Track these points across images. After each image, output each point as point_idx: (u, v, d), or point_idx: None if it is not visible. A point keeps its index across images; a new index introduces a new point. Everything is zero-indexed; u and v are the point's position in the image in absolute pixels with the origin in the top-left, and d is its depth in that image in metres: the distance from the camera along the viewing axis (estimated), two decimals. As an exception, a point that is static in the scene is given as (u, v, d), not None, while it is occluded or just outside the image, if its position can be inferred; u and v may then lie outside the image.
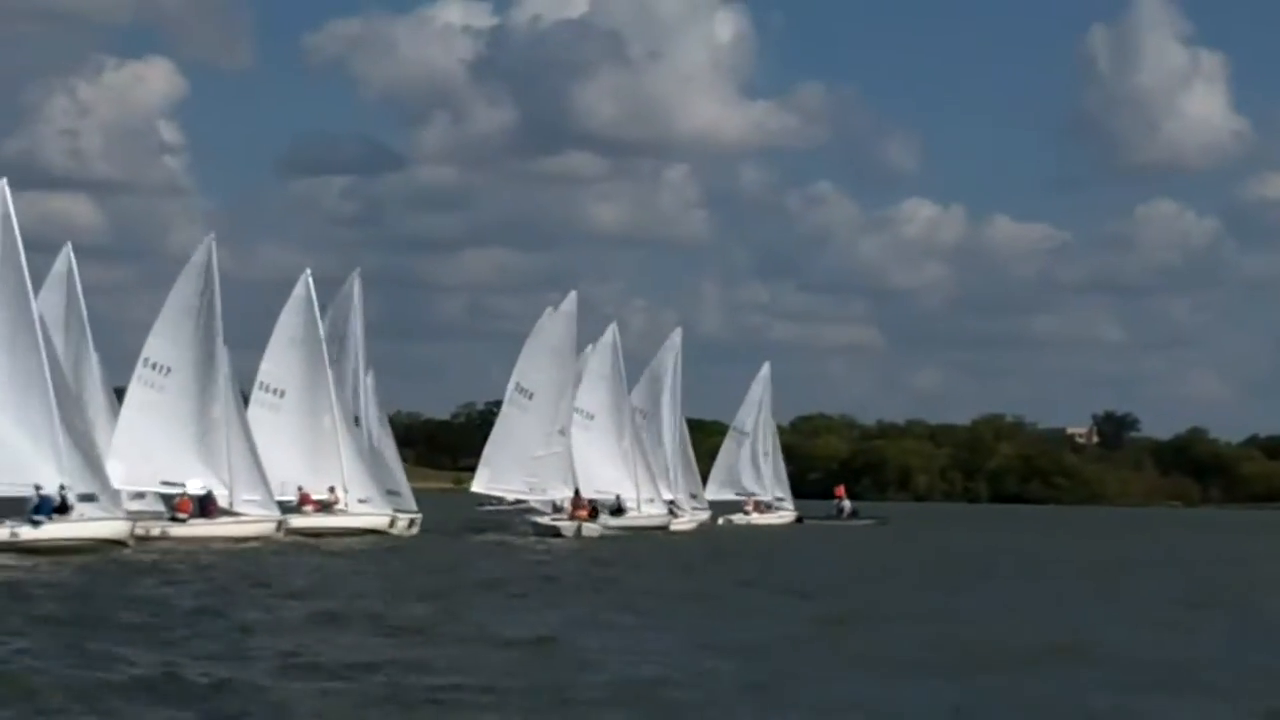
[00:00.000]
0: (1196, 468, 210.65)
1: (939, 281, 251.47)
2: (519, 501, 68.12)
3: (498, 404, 72.06)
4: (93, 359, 53.79)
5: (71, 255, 53.51)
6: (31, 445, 44.39)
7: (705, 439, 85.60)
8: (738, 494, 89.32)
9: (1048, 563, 56.68)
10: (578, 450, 69.45)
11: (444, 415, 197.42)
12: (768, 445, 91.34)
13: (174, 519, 52.18)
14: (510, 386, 68.83)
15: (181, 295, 54.50)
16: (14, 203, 46.22)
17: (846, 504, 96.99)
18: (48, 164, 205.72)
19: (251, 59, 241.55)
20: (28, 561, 39.89)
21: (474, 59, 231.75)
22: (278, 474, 55.67)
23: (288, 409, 59.29)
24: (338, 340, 62.36)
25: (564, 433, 67.78)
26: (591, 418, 73.01)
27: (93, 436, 47.45)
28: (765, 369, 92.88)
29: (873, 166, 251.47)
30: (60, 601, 30.02)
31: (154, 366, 53.68)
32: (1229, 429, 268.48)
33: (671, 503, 76.05)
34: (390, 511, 60.07)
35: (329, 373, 59.90)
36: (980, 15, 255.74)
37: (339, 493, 58.88)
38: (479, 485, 67.74)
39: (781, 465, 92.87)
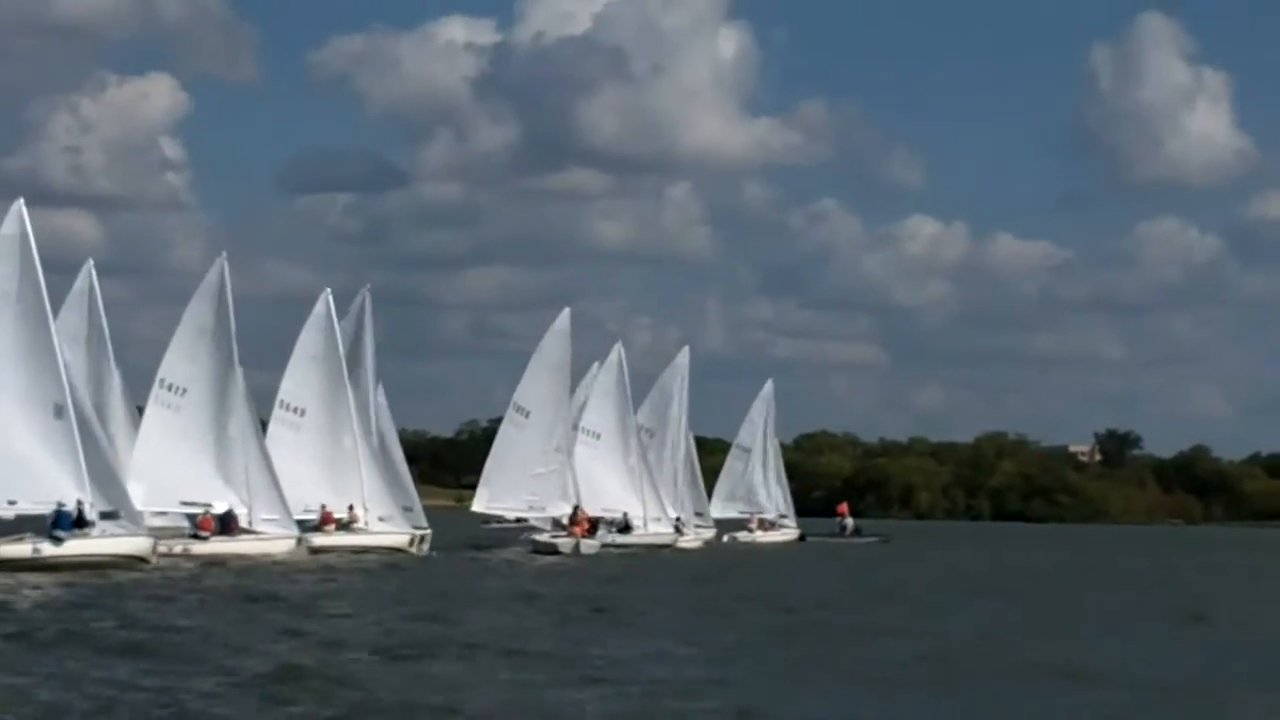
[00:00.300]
0: (1199, 485, 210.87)
1: (942, 299, 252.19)
2: (521, 519, 68.35)
3: (501, 421, 72.49)
4: (114, 376, 54.32)
5: (93, 273, 54.30)
6: (54, 463, 45.00)
7: (708, 456, 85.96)
8: (741, 512, 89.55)
9: (1035, 580, 57.15)
10: (584, 468, 69.80)
11: (447, 433, 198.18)
12: (771, 463, 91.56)
13: (196, 536, 52.69)
14: (510, 406, 69.29)
15: (195, 315, 55.09)
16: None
17: (849, 522, 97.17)
18: (51, 181, 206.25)
19: (255, 75, 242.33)
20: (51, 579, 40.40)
21: (477, 76, 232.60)
22: (299, 492, 56.25)
23: (308, 427, 59.93)
24: (350, 357, 62.77)
25: (561, 449, 68.01)
26: (598, 436, 73.42)
27: (111, 454, 47.92)
28: (768, 387, 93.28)
29: (876, 184, 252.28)
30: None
31: (170, 388, 54.25)
32: (1231, 447, 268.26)
33: (677, 520, 76.33)
34: (411, 530, 60.56)
35: (349, 391, 60.42)
36: (983, 32, 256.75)
37: (359, 511, 59.39)
38: (479, 505, 68.03)
39: (785, 483, 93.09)
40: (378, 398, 63.75)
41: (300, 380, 60.50)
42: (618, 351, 76.49)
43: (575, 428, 71.68)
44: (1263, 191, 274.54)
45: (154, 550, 46.46)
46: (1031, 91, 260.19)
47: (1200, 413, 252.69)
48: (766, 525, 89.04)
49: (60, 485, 44.72)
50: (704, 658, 26.50)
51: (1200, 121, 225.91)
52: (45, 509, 44.63)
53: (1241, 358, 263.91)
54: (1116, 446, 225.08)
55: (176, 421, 53.77)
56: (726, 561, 64.19)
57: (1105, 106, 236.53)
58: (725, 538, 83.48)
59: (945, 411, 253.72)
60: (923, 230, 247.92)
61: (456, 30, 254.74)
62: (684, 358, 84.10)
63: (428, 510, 64.01)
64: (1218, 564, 77.61)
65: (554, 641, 28.47)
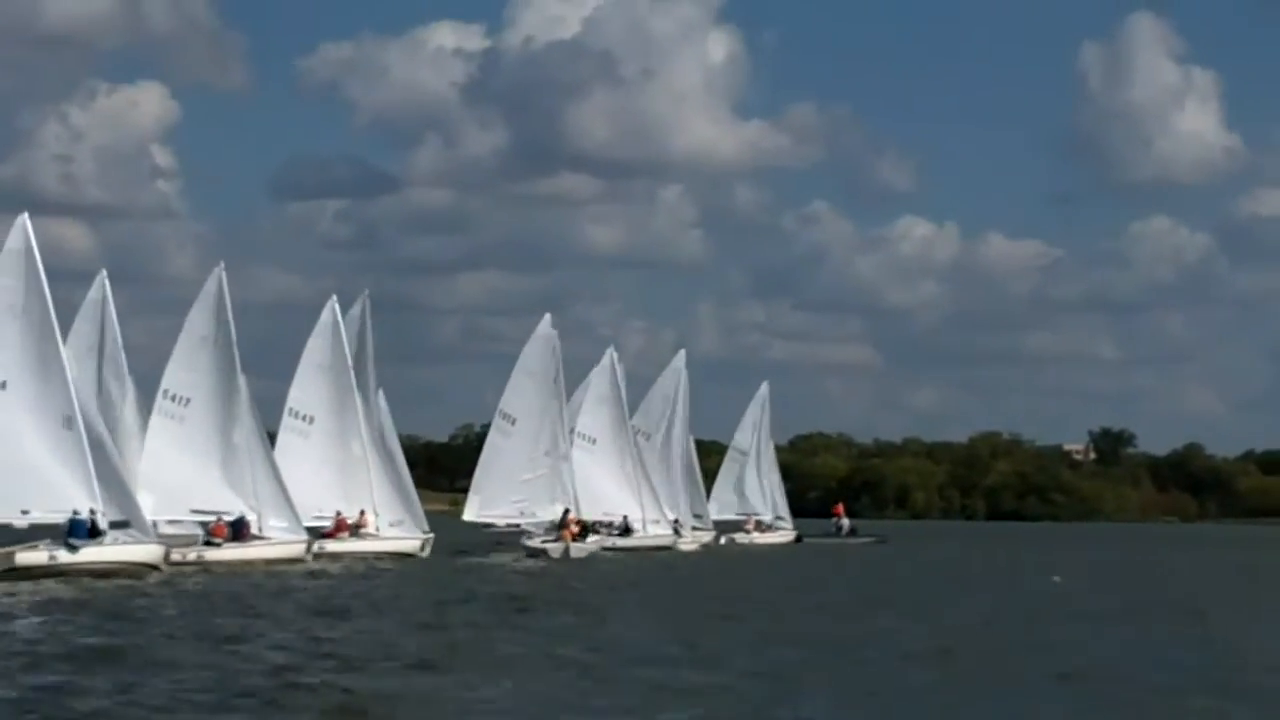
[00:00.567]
0: (1193, 483, 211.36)
1: (934, 299, 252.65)
2: (513, 526, 68.43)
3: (496, 425, 72.67)
4: (127, 386, 54.64)
5: (106, 284, 54.76)
6: (65, 473, 45.64)
7: (703, 459, 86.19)
8: (738, 514, 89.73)
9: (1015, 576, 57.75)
10: (582, 473, 70.01)
11: (442, 437, 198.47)
12: (766, 465, 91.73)
13: (208, 543, 53.21)
14: (496, 414, 69.39)
15: (195, 325, 55.60)
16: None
17: (845, 523, 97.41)
18: (41, 189, 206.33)
19: (244, 83, 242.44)
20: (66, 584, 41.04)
21: (466, 81, 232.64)
22: (310, 499, 56.77)
23: (317, 434, 60.54)
24: (353, 363, 63.10)
25: (550, 454, 68.10)
26: (594, 441, 73.68)
27: (120, 464, 48.35)
28: (764, 389, 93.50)
29: (867, 185, 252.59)
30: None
31: (174, 398, 54.69)
32: (1225, 444, 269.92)
33: (675, 522, 76.51)
34: (421, 535, 61.07)
35: (357, 397, 60.80)
36: (973, 33, 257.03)
37: (369, 516, 59.72)
38: (470, 514, 67.95)
39: (780, 484, 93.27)
40: (379, 404, 63.98)
41: (308, 388, 61.12)
42: (610, 356, 76.82)
43: (572, 433, 71.83)
44: (1252, 190, 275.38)
45: (165, 558, 47.10)
46: (1022, 92, 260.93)
47: (1194, 410, 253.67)
48: (763, 527, 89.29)
49: (72, 495, 45.36)
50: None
51: (1190, 120, 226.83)
52: (58, 518, 45.34)
53: (1234, 355, 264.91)
54: (1111, 445, 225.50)
55: (181, 431, 54.22)
56: (719, 564, 64.37)
57: (1095, 106, 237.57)
58: (722, 539, 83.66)
59: (939, 412, 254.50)
60: (914, 231, 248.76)
61: (445, 36, 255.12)
62: (680, 361, 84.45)
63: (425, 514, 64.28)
64: (1203, 560, 77.98)
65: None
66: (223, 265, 56.44)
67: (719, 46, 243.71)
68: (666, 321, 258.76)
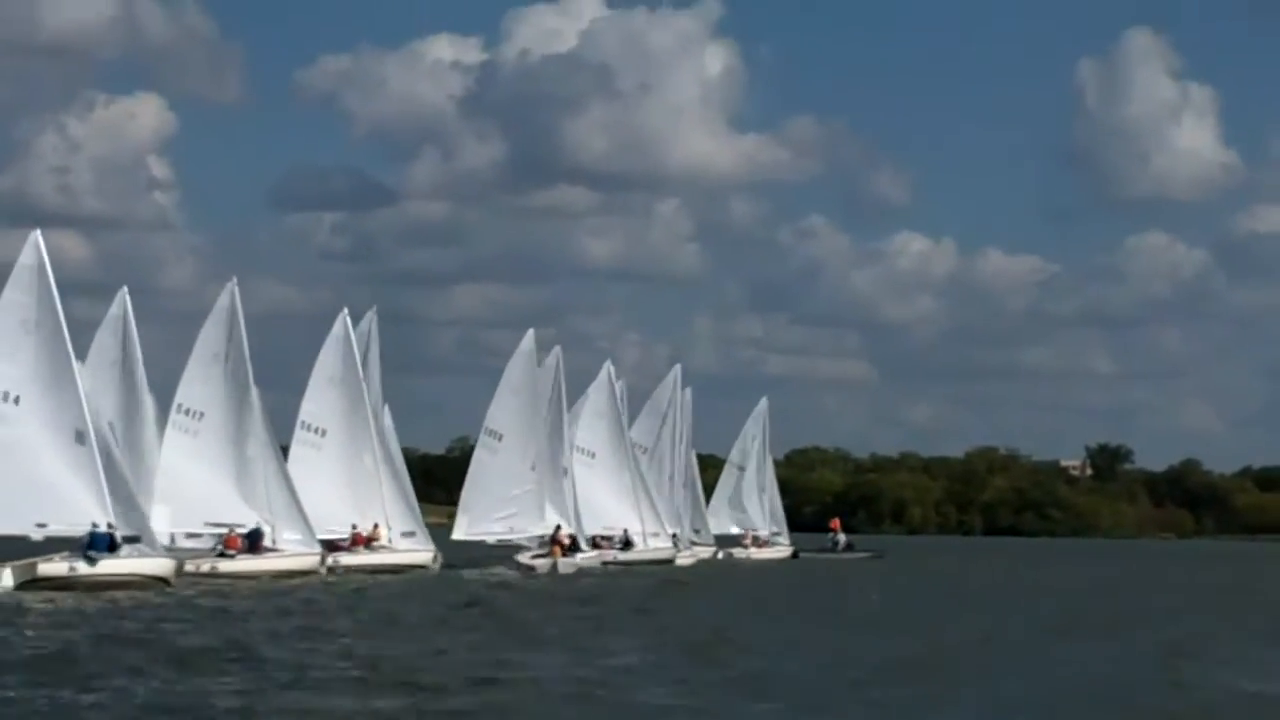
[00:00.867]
0: (1190, 499, 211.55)
1: (931, 314, 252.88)
2: (503, 542, 68.40)
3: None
4: (147, 401, 55.32)
5: (127, 300, 55.68)
6: (79, 487, 46.49)
7: (700, 473, 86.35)
8: (734, 528, 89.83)
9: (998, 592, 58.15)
10: (582, 488, 70.31)
11: (438, 450, 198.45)
12: (764, 479, 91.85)
13: (223, 555, 54.14)
14: (482, 430, 69.54)
15: (208, 340, 56.51)
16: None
17: (841, 538, 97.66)
18: (38, 200, 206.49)
19: (242, 95, 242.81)
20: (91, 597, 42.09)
21: (464, 94, 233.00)
22: (323, 511, 57.57)
23: (329, 447, 61.35)
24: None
25: (536, 469, 68.18)
26: (593, 456, 73.96)
27: (128, 477, 49.01)
28: (763, 404, 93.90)
29: (864, 200, 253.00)
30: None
31: (187, 412, 55.68)
32: (1222, 460, 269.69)
33: (673, 536, 76.65)
34: (432, 547, 61.71)
35: (369, 410, 61.16)
36: (970, 49, 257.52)
37: (382, 529, 60.17)
38: (459, 532, 67.97)
39: (778, 499, 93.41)
40: (384, 418, 64.15)
41: (320, 401, 61.88)
42: (607, 370, 77.12)
43: (572, 447, 71.92)
44: (1249, 206, 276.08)
45: (177, 571, 48.04)
46: (1019, 107, 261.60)
47: (1191, 426, 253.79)
48: (760, 542, 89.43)
49: (85, 508, 46.22)
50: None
51: (1187, 136, 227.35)
52: (73, 531, 46.25)
53: (1231, 371, 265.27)
54: (1107, 461, 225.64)
55: (196, 445, 55.16)
56: (706, 579, 64.25)
57: (1093, 122, 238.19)
58: (720, 554, 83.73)
59: (936, 427, 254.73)
60: (911, 246, 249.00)
61: (443, 49, 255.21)
62: (675, 375, 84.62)
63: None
64: (1179, 577, 78.13)
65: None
66: (235, 281, 57.22)
67: (716, 60, 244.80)
68: (663, 335, 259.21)
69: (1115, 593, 61.12)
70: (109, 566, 45.88)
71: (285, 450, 59.59)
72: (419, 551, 61.28)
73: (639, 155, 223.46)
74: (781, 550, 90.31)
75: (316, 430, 61.41)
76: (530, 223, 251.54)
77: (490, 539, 68.17)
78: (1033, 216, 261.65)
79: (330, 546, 58.52)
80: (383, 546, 60.68)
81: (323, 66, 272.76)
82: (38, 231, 48.16)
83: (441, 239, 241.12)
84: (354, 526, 60.27)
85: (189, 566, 50.37)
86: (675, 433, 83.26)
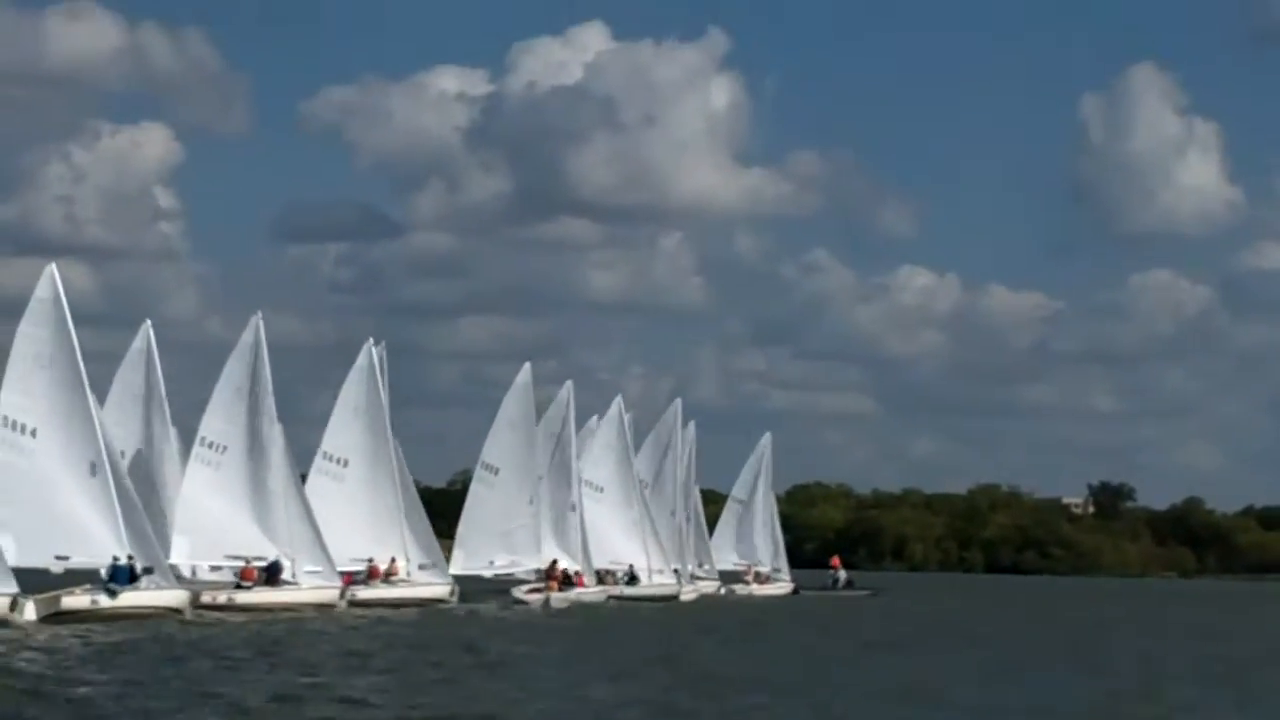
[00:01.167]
0: (1193, 538, 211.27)
1: (934, 350, 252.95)
2: (503, 575, 68.66)
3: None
4: (171, 435, 55.85)
5: (151, 334, 56.44)
6: (95, 518, 47.51)
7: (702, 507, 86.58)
8: (736, 564, 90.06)
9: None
10: (590, 522, 70.61)
11: (440, 483, 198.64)
12: (766, 515, 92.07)
13: (239, 586, 54.83)
14: (478, 464, 69.88)
15: (233, 375, 57.36)
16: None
17: (842, 574, 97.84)
18: (44, 230, 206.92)
19: (247, 125, 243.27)
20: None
21: (469, 126, 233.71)
22: (342, 543, 58.27)
23: (351, 479, 62.27)
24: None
25: (534, 503, 68.48)
26: (601, 490, 74.37)
27: (140, 508, 49.66)
28: (766, 439, 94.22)
29: (868, 234, 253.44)
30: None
31: (210, 445, 56.53)
32: (1225, 499, 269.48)
33: (676, 572, 76.86)
34: (450, 581, 62.45)
35: (392, 442, 61.48)
36: (975, 83, 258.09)
37: (400, 563, 60.44)
38: (456, 567, 67.99)
39: (779, 535, 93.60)
40: (396, 451, 64.62)
41: (343, 431, 62.61)
42: (618, 405, 77.57)
43: (580, 481, 72.21)
44: (1254, 243, 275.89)
45: (192, 603, 48.97)
46: (1023, 142, 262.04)
47: (1194, 465, 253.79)
48: (762, 578, 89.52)
49: (101, 540, 47.20)
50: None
51: (1191, 173, 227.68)
52: (93, 563, 47.20)
53: (1235, 409, 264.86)
54: (1110, 499, 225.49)
55: (217, 478, 56.05)
56: (705, 615, 64.31)
57: (1096, 157, 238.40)
58: (722, 589, 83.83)
59: (939, 463, 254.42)
60: (915, 281, 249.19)
61: (448, 80, 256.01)
62: (677, 409, 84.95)
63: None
64: (1153, 618, 78.20)
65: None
66: (260, 316, 57.75)
67: (721, 93, 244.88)
68: (666, 368, 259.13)
69: (1101, 632, 61.35)
70: (129, 599, 46.78)
71: (302, 478, 60.17)
72: (437, 585, 61.71)
73: (643, 188, 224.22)
74: (783, 586, 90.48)
75: (339, 461, 62.08)
76: (534, 255, 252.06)
77: (487, 573, 68.49)
78: (1037, 252, 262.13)
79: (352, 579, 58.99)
80: (401, 580, 61.05)
81: (328, 97, 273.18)
82: (53, 265, 49.24)
83: (445, 271, 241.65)
84: (370, 560, 60.82)
85: (205, 598, 51.08)
86: (678, 467, 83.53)
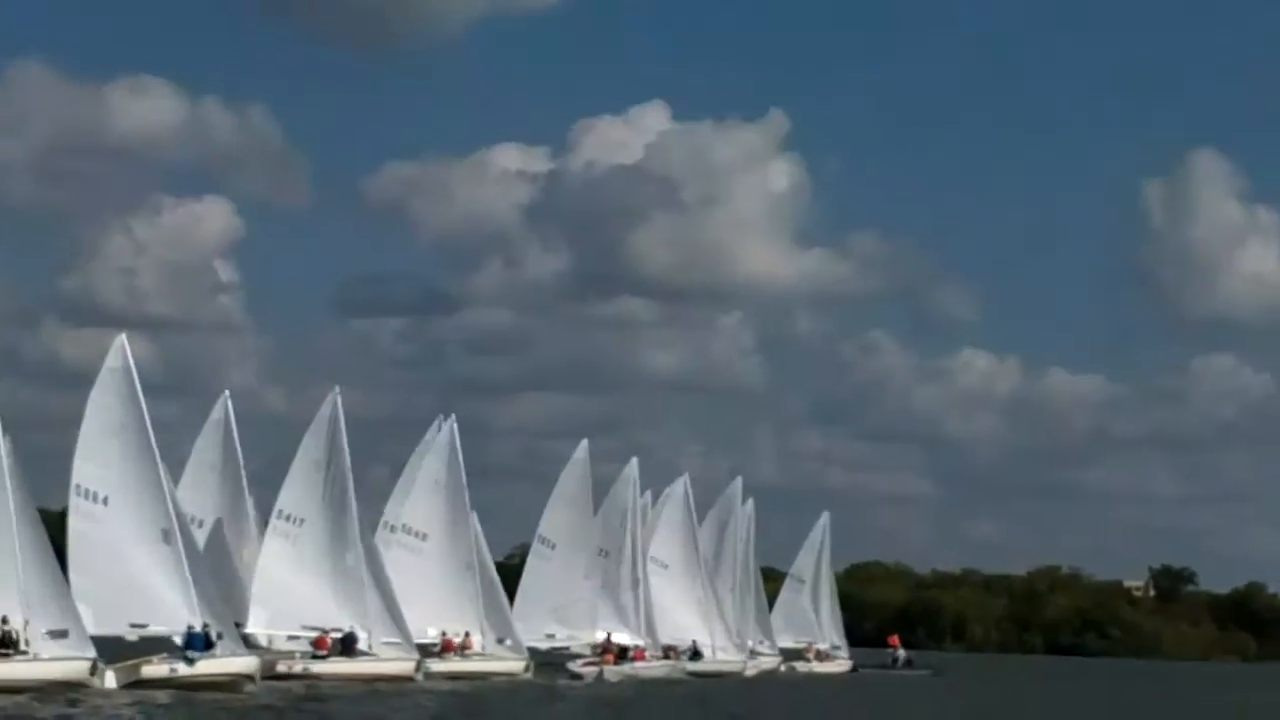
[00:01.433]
0: (1254, 622, 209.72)
1: (994, 432, 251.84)
2: (557, 650, 69.27)
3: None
4: (248, 504, 56.52)
5: (229, 404, 57.06)
6: (165, 586, 48.66)
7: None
8: (796, 641, 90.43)
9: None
10: (655, 597, 71.11)
11: (499, 557, 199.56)
12: (826, 593, 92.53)
13: (315, 656, 55.71)
14: (535, 538, 70.65)
15: (309, 448, 58.38)
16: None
17: (901, 653, 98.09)
18: (106, 302, 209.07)
19: (308, 200, 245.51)
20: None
21: (529, 203, 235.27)
22: (421, 616, 59.11)
23: (430, 552, 62.92)
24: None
25: (590, 577, 69.22)
26: (666, 566, 75.17)
27: (208, 576, 50.75)
28: (824, 518, 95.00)
29: (928, 316, 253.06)
30: None
31: (288, 518, 57.56)
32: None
33: (737, 647, 77.50)
34: (525, 656, 63.36)
35: (471, 516, 62.39)
36: (1036, 168, 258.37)
37: (474, 637, 61.22)
38: None
39: (838, 613, 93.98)
40: (474, 523, 65.49)
41: (420, 505, 63.50)
42: (684, 484, 78.66)
43: (645, 557, 72.92)
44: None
45: (263, 670, 49.83)
46: (1084, 227, 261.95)
47: (1255, 550, 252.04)
48: (822, 656, 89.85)
49: (173, 608, 48.40)
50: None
51: (1253, 259, 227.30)
52: (168, 632, 48.25)
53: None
54: (1171, 582, 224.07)
55: (295, 551, 57.00)
56: (763, 693, 64.57)
57: (1158, 243, 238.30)
58: (783, 666, 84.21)
59: (998, 544, 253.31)
60: (975, 363, 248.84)
61: (510, 158, 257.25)
62: (737, 487, 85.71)
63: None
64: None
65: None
66: (338, 390, 58.63)
67: (781, 175, 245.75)
68: (724, 447, 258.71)
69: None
70: (206, 667, 47.60)
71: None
72: (511, 660, 62.48)
73: (702, 268, 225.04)
74: (842, 664, 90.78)
75: (418, 534, 62.85)
76: (593, 333, 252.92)
77: (543, 646, 69.27)
78: (1098, 336, 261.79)
79: (428, 652, 59.64)
80: (476, 654, 61.78)
81: (389, 173, 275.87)
82: (123, 336, 50.53)
83: (504, 347, 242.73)
84: (444, 633, 61.57)
85: (281, 666, 51.91)
86: (737, 544, 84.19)
